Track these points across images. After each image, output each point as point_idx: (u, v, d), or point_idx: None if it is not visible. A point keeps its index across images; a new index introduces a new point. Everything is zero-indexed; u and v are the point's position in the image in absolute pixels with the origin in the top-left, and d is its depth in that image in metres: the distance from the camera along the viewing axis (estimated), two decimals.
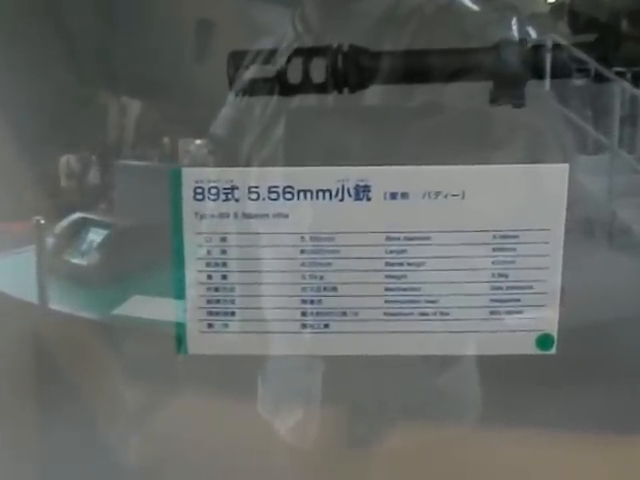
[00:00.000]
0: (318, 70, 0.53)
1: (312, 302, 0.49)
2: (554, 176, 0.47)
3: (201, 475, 0.72)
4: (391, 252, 0.48)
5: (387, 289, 0.49)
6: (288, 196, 0.48)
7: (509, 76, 0.51)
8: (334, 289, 0.49)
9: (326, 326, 0.50)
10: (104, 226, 0.82)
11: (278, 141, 0.60)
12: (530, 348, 0.49)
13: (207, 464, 0.71)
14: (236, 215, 0.48)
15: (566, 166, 0.47)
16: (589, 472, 0.70)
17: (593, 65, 0.56)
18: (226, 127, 0.69)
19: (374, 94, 0.56)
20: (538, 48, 0.53)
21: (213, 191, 0.48)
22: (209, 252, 0.49)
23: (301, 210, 0.48)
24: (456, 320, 0.49)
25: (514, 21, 0.59)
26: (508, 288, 0.48)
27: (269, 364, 0.69)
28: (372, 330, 0.49)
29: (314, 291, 0.49)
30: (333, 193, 0.47)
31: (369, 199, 0.47)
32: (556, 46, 0.53)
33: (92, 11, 0.83)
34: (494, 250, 0.48)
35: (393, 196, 0.47)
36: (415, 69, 0.54)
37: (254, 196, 0.48)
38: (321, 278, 0.49)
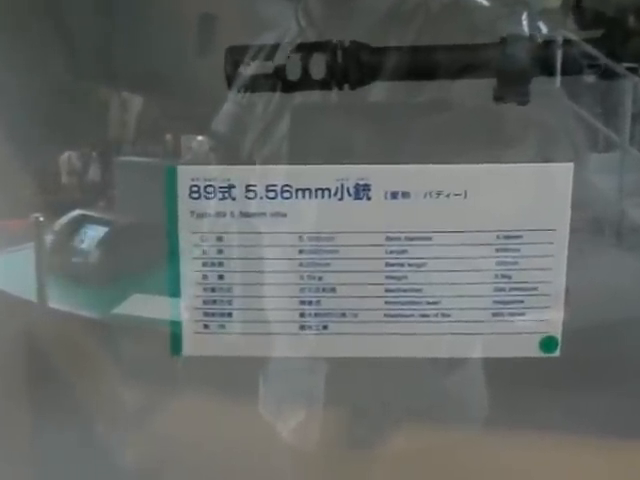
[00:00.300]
0: (318, 66, 0.52)
1: (311, 303, 0.49)
2: (558, 175, 0.46)
3: (201, 477, 0.71)
4: (391, 252, 0.47)
5: (387, 290, 0.48)
6: (286, 195, 0.47)
7: (513, 73, 0.50)
8: (333, 290, 0.48)
9: (325, 328, 0.49)
10: (104, 223, 0.82)
11: (280, 138, 0.60)
12: (534, 351, 0.48)
13: (207, 466, 0.71)
14: (233, 214, 0.48)
15: (571, 165, 0.46)
16: (594, 475, 0.70)
17: (603, 61, 0.55)
18: (228, 124, 0.68)
19: (378, 91, 0.55)
20: (547, 44, 0.52)
21: (209, 189, 0.47)
22: (205, 252, 0.48)
23: (300, 209, 0.47)
24: (458, 322, 0.48)
25: (524, 16, 0.58)
26: (511, 289, 0.47)
27: (270, 365, 0.68)
28: (372, 332, 0.49)
29: (313, 292, 0.48)
30: (332, 192, 0.47)
31: (369, 198, 0.47)
32: (566, 42, 0.52)
33: (93, 6, 0.83)
34: (497, 251, 0.47)
35: (394, 195, 0.46)
36: (417, 65, 0.53)
37: (251, 195, 0.47)
38: (320, 279, 0.48)
